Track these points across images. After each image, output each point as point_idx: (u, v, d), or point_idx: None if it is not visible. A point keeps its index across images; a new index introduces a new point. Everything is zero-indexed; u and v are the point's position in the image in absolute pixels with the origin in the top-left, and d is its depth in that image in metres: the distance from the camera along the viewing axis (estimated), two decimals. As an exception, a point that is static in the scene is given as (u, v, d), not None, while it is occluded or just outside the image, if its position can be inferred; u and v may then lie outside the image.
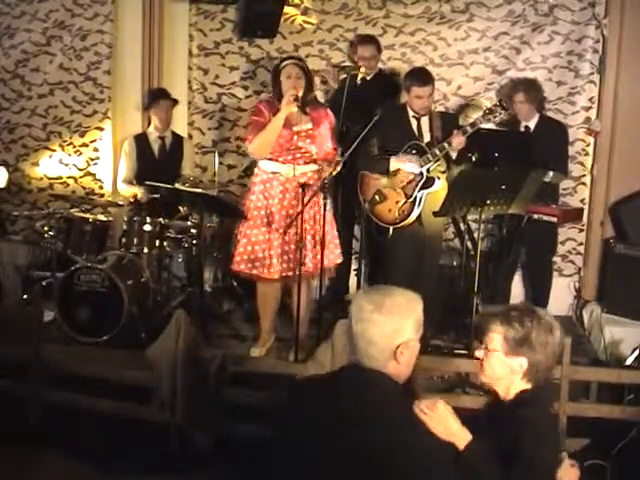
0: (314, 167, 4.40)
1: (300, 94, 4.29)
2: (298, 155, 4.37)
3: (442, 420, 2.10)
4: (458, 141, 4.45)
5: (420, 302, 2.18)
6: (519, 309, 2.29)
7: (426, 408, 2.10)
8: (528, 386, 2.28)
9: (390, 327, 2.09)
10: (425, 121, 4.65)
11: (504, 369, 2.27)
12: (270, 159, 4.40)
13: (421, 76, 4.61)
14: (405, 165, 4.56)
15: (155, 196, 5.05)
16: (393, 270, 4.78)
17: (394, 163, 4.59)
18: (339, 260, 4.58)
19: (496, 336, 2.26)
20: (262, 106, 4.42)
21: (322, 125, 4.40)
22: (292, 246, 4.38)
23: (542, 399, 2.28)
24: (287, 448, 2.15)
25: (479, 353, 2.32)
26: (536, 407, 2.23)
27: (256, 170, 4.54)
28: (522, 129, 5.14)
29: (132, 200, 5.28)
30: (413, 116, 4.64)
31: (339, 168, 4.38)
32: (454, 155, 4.59)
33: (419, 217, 4.61)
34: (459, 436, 2.11)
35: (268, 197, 4.41)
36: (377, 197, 4.65)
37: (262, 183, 4.44)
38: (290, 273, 4.40)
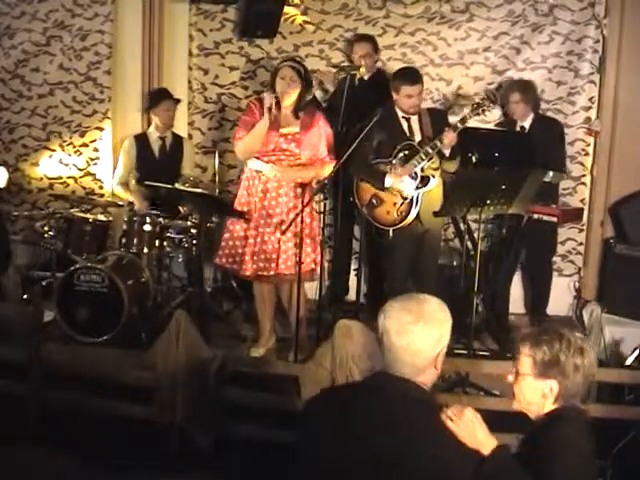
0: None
1: (293, 97, 4.34)
2: (282, 157, 4.40)
3: (468, 427, 2.07)
4: (449, 138, 4.40)
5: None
6: (550, 332, 2.25)
7: (453, 415, 2.07)
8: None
9: (436, 335, 2.10)
10: (415, 120, 4.62)
11: (535, 393, 2.23)
12: (256, 157, 4.44)
13: (410, 75, 4.59)
14: (401, 186, 4.54)
15: (153, 212, 4.98)
16: (393, 270, 4.78)
17: (389, 180, 4.54)
18: (309, 267, 4.50)
19: (525, 359, 2.23)
20: (254, 105, 4.47)
21: (311, 131, 4.42)
22: (269, 246, 4.40)
23: (576, 416, 2.23)
24: (316, 457, 2.13)
25: (510, 378, 2.29)
26: (571, 423, 2.18)
27: (245, 167, 4.59)
28: (518, 129, 5.14)
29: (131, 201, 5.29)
30: (403, 117, 4.62)
31: (327, 173, 4.40)
32: (447, 152, 4.54)
33: (418, 216, 4.61)
34: (485, 444, 2.07)
35: (250, 194, 4.47)
36: (374, 201, 4.62)
37: (247, 180, 4.52)
38: (265, 273, 4.42)
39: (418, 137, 4.60)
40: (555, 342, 2.20)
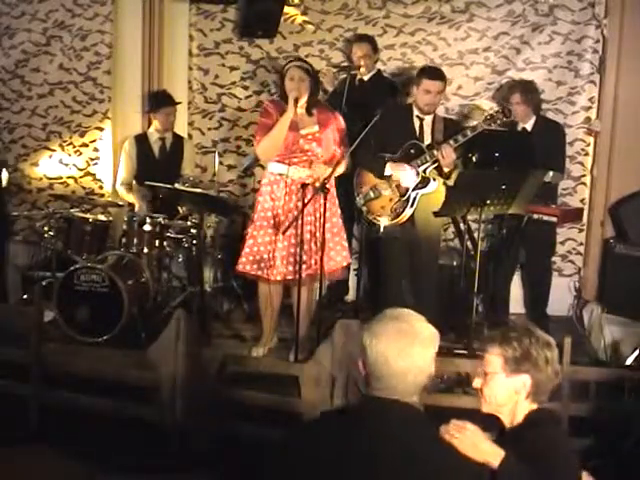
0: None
1: (305, 97, 4.32)
2: (304, 158, 4.38)
3: (473, 441, 2.06)
4: (446, 153, 4.38)
5: None
6: (516, 329, 2.26)
7: (455, 431, 2.06)
8: (534, 406, 2.24)
9: (430, 355, 2.07)
10: (428, 122, 4.62)
11: (507, 392, 2.22)
12: (277, 161, 4.41)
13: (433, 71, 4.62)
14: (400, 174, 4.54)
15: (155, 216, 4.93)
16: (387, 272, 4.79)
17: (390, 168, 4.56)
18: (345, 262, 4.57)
19: (495, 358, 2.22)
20: (269, 107, 4.46)
21: (329, 128, 4.41)
22: (298, 249, 4.38)
23: (555, 416, 2.25)
24: None
25: (477, 382, 2.27)
26: (552, 424, 2.19)
27: (265, 172, 4.56)
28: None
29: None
30: (417, 116, 4.62)
31: (342, 169, 4.40)
32: (446, 170, 4.49)
33: (412, 218, 4.60)
34: (493, 454, 2.07)
35: (275, 199, 4.43)
36: (372, 193, 4.64)
37: (269, 185, 4.46)
38: (296, 277, 4.39)
39: (428, 140, 4.59)
40: (524, 337, 2.21)
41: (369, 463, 1.97)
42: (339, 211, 4.53)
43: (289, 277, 4.42)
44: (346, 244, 4.56)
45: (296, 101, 4.28)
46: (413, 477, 1.94)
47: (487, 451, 2.06)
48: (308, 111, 4.40)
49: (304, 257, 4.35)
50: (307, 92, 4.34)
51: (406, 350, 2.02)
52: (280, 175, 4.42)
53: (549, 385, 2.23)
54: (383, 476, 1.95)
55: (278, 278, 4.42)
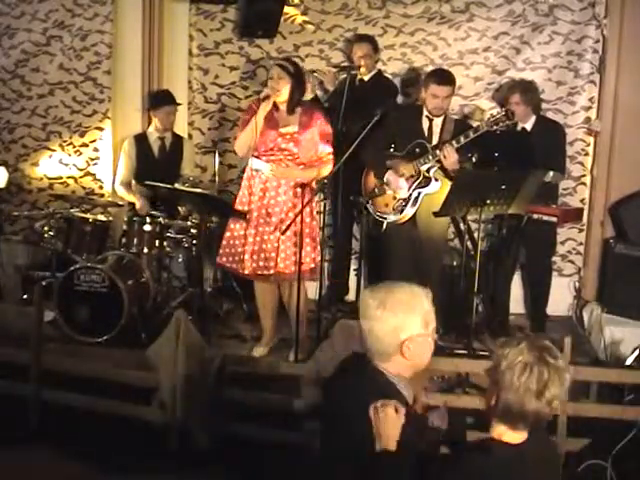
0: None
1: (283, 96, 4.34)
2: (281, 156, 4.39)
3: (380, 422, 2.11)
4: (448, 154, 4.38)
5: (426, 296, 2.24)
6: (514, 339, 2.07)
7: (379, 408, 2.12)
8: (511, 434, 2.06)
9: (393, 323, 2.16)
10: (437, 123, 4.61)
11: (488, 403, 2.10)
12: (256, 157, 4.45)
13: (442, 75, 4.61)
14: (396, 184, 4.55)
15: (155, 213, 4.97)
16: (389, 271, 4.79)
17: (388, 176, 4.57)
18: (310, 266, 4.45)
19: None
20: (254, 104, 4.50)
21: (309, 130, 4.40)
22: (268, 245, 4.40)
23: (502, 451, 2.04)
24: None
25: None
26: (494, 465, 2.02)
27: (247, 167, 4.59)
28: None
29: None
30: (426, 116, 4.62)
31: (327, 172, 4.40)
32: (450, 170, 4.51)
33: (414, 218, 4.60)
34: (383, 441, 2.10)
35: (250, 194, 4.47)
36: (377, 190, 4.65)
37: (247, 179, 4.52)
38: (264, 272, 4.42)
39: (435, 140, 4.59)
40: (506, 348, 2.04)
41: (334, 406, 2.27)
42: (314, 214, 4.49)
43: (259, 272, 4.43)
44: (317, 248, 4.48)
45: (265, 99, 4.32)
46: (338, 428, 2.20)
47: (383, 435, 2.11)
48: (290, 110, 4.40)
49: (273, 255, 4.37)
50: (286, 91, 4.35)
51: (369, 312, 2.18)
52: (257, 171, 4.45)
53: (519, 409, 1.99)
54: (329, 419, 2.28)
55: (246, 272, 4.44)
